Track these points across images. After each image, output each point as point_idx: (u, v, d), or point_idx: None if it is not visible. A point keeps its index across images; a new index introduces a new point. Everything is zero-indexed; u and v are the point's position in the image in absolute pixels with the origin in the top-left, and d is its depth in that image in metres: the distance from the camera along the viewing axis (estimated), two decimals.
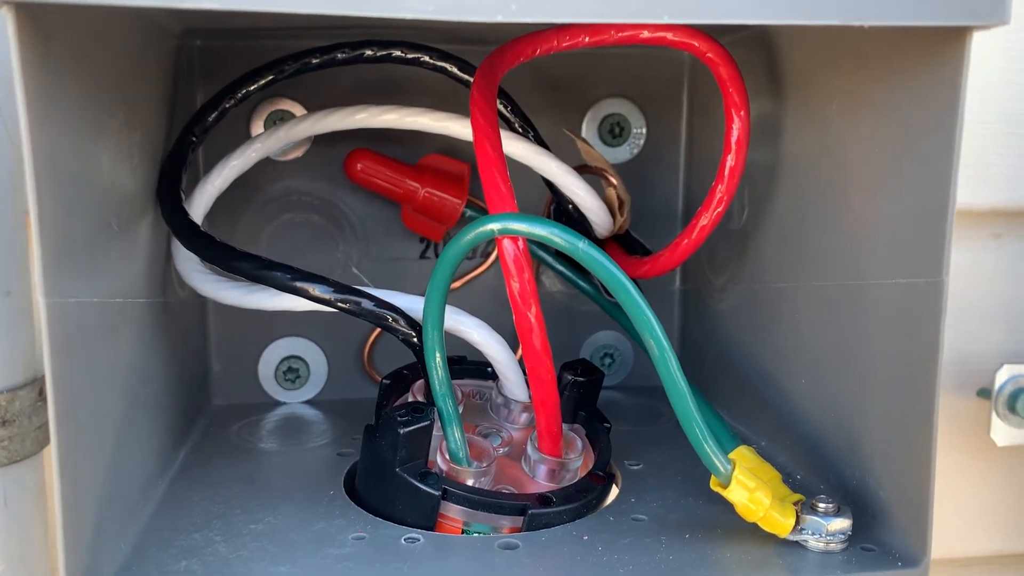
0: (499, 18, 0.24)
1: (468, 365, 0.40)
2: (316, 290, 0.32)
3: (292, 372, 0.47)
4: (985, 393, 0.53)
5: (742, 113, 0.36)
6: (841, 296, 0.34)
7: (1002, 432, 0.52)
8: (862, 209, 0.33)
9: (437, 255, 0.47)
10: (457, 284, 0.47)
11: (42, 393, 0.45)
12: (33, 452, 0.45)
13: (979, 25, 0.27)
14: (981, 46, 0.52)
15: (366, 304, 0.33)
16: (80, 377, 0.28)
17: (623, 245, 0.44)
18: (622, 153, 0.48)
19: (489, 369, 0.39)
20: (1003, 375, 0.52)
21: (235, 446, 0.41)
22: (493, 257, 0.47)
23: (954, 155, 0.28)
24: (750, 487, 0.31)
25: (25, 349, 0.45)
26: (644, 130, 0.47)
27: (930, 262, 0.29)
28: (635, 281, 0.44)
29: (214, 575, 0.29)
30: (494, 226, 0.30)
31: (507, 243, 0.31)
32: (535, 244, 0.45)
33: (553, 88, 0.47)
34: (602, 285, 0.44)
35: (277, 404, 0.46)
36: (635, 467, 0.39)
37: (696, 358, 0.48)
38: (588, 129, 0.47)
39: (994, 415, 0.52)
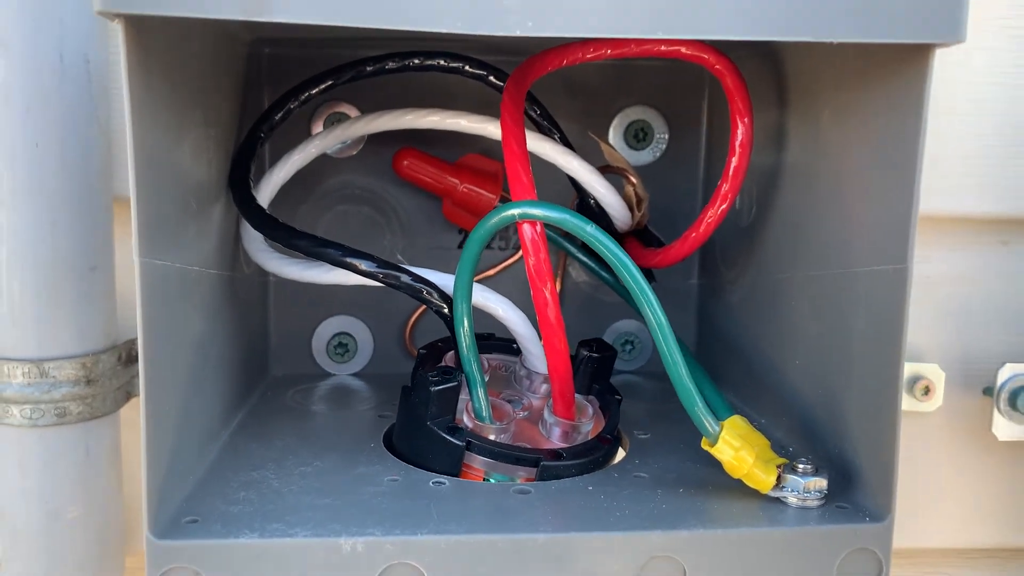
0: (518, 32, 0.28)
1: (496, 341, 0.44)
2: (363, 265, 0.37)
3: (342, 347, 0.52)
4: (990, 391, 0.56)
5: (746, 120, 0.41)
6: (829, 285, 0.38)
7: (1003, 427, 0.55)
8: (847, 207, 0.37)
9: None
10: (491, 272, 0.52)
11: (121, 358, 0.51)
12: (112, 411, 0.51)
13: (939, 43, 0.31)
14: (990, 63, 0.56)
15: (405, 278, 0.38)
16: (162, 329, 0.33)
17: (641, 239, 0.48)
18: (645, 156, 0.52)
19: (514, 346, 0.43)
20: (1005, 373, 0.55)
21: (289, 408, 0.46)
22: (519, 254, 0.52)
23: (918, 158, 0.32)
24: (735, 446, 0.35)
25: (107, 318, 0.50)
26: (666, 135, 0.52)
27: (898, 252, 0.33)
28: (651, 271, 0.48)
29: (268, 503, 0.34)
30: (515, 211, 0.35)
31: (526, 227, 0.35)
32: (563, 237, 0.50)
33: (584, 97, 0.51)
34: None
35: (328, 375, 0.52)
36: (643, 436, 0.43)
37: (711, 346, 0.52)
38: (615, 134, 0.52)
39: (996, 411, 0.55)
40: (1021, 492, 0.59)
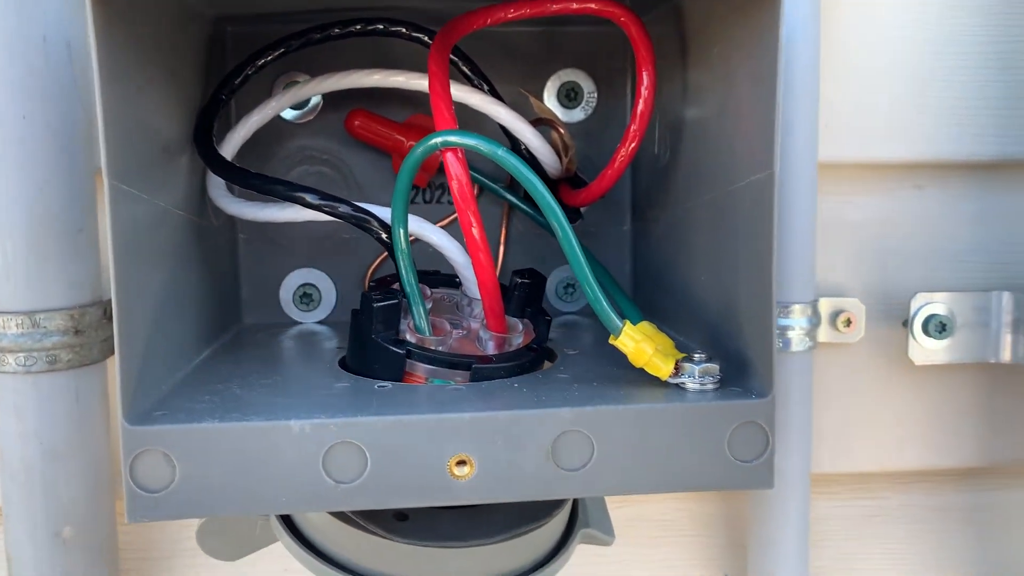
0: None
1: (440, 276, 0.49)
2: (308, 198, 0.43)
3: (307, 297, 0.57)
4: (908, 324, 0.61)
5: (649, 67, 0.46)
6: (720, 203, 0.43)
7: (918, 352, 0.60)
8: (733, 132, 0.42)
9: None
10: (443, 223, 0.57)
11: (106, 312, 0.56)
12: (99, 360, 0.56)
13: None
14: (899, 19, 0.60)
15: (345, 208, 0.43)
16: (131, 248, 0.38)
17: (572, 185, 0.53)
18: (577, 114, 0.57)
19: (457, 279, 0.48)
20: (918, 301, 0.60)
21: (258, 343, 0.51)
22: None
23: (778, 84, 0.37)
24: (636, 339, 0.40)
25: (93, 276, 0.55)
26: (595, 94, 0.57)
27: (766, 159, 0.38)
28: (578, 210, 0.53)
29: (228, 402, 0.39)
30: (437, 140, 0.40)
31: (449, 155, 0.40)
32: (506, 190, 0.55)
33: (520, 60, 0.56)
34: None
35: (295, 323, 0.57)
36: (572, 352, 0.48)
37: (645, 284, 0.57)
38: (548, 93, 0.57)
39: (910, 337, 0.60)
40: (943, 414, 0.64)
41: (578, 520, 0.49)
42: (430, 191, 0.57)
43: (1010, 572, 0.67)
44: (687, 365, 0.40)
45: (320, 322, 0.57)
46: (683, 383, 0.40)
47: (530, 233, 0.58)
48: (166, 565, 0.61)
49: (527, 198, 0.55)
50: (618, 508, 0.64)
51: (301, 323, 0.57)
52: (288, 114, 0.55)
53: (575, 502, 0.49)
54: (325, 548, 0.44)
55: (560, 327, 0.56)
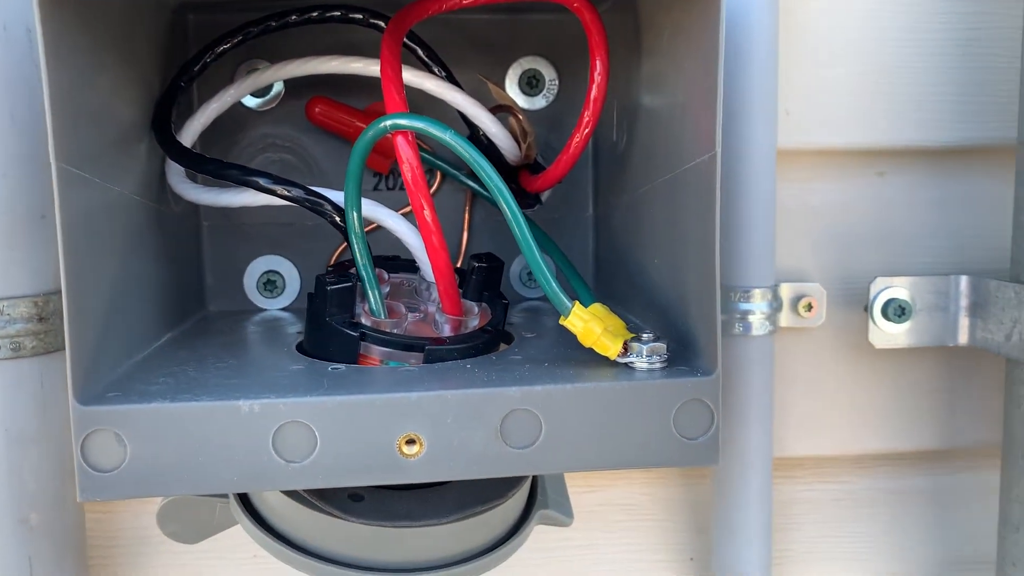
0: None
1: (400, 262, 0.50)
2: (263, 182, 0.43)
3: (271, 284, 0.57)
4: (868, 308, 0.62)
5: (601, 53, 0.46)
6: (671, 185, 0.44)
7: (878, 336, 0.61)
8: (683, 116, 0.43)
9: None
10: (405, 210, 0.57)
11: None
12: (63, 347, 0.56)
13: None
14: (858, 5, 0.61)
15: (298, 192, 0.43)
16: (81, 234, 0.38)
17: (531, 171, 0.54)
18: (539, 102, 0.58)
19: (417, 265, 0.49)
20: (877, 285, 0.61)
21: (219, 330, 0.51)
22: (432, 189, 0.57)
23: (718, 64, 0.38)
24: (585, 319, 0.40)
25: (57, 263, 0.56)
26: (557, 82, 0.57)
27: (710, 141, 0.39)
28: (538, 196, 0.54)
29: (181, 384, 0.39)
30: (387, 123, 0.40)
31: (399, 138, 0.41)
32: (468, 177, 0.56)
33: (482, 48, 0.57)
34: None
35: (260, 310, 0.57)
36: (529, 335, 0.48)
37: (607, 268, 0.58)
38: (510, 81, 0.57)
39: (870, 321, 0.61)
40: (903, 398, 0.65)
41: (536, 501, 0.49)
42: (392, 177, 0.57)
43: (972, 553, 0.67)
44: (635, 345, 0.41)
45: (284, 309, 0.58)
46: (631, 362, 0.41)
47: (494, 219, 0.59)
48: (133, 551, 0.62)
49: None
50: (585, 493, 0.65)
51: (265, 310, 0.57)
52: (251, 102, 0.55)
53: (534, 483, 0.50)
54: (282, 529, 0.44)
55: (523, 312, 0.56)
